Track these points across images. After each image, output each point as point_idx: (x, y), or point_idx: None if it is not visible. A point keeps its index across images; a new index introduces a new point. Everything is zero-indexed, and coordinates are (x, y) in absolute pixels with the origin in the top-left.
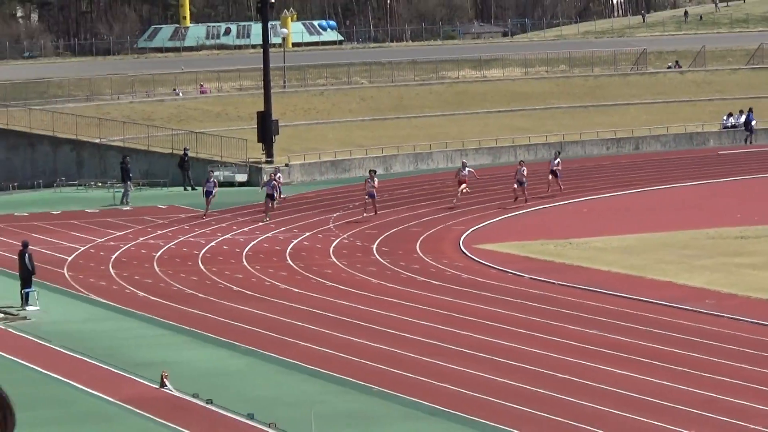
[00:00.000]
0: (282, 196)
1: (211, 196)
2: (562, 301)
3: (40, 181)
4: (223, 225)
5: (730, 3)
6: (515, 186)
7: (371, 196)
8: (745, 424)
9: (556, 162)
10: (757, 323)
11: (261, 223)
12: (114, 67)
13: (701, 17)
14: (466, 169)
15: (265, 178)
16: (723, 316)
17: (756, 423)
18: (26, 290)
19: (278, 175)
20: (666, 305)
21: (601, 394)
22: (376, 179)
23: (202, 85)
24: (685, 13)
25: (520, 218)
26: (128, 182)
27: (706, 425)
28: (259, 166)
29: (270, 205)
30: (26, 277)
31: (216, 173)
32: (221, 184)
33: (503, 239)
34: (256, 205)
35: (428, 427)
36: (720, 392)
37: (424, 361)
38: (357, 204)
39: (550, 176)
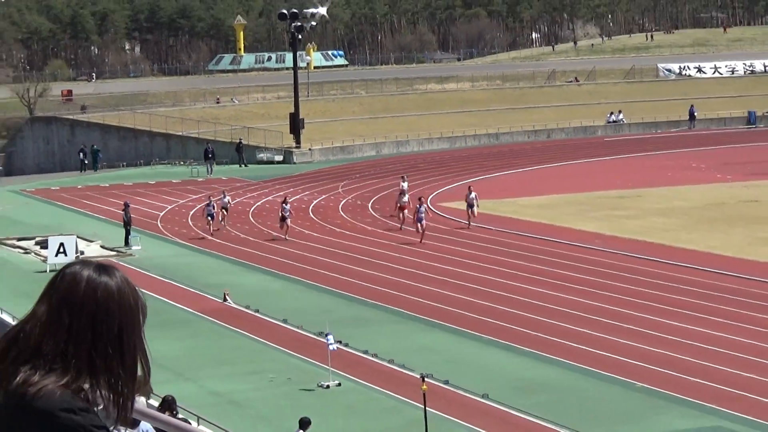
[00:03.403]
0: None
1: (213, 219)
2: (497, 241)
3: (141, 161)
4: (266, 190)
5: (612, 37)
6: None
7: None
8: (621, 324)
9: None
10: (630, 255)
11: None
12: (191, 83)
13: (593, 45)
14: (406, 196)
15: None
16: (607, 251)
17: (629, 323)
18: (128, 236)
19: (226, 198)
20: (569, 243)
21: (523, 306)
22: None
23: (218, 99)
24: (575, 42)
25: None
26: (212, 160)
27: (596, 326)
28: (291, 150)
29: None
30: (126, 226)
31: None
32: (265, 163)
33: (456, 199)
34: (289, 177)
35: (407, 328)
36: (604, 303)
37: (402, 282)
38: (357, 176)
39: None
